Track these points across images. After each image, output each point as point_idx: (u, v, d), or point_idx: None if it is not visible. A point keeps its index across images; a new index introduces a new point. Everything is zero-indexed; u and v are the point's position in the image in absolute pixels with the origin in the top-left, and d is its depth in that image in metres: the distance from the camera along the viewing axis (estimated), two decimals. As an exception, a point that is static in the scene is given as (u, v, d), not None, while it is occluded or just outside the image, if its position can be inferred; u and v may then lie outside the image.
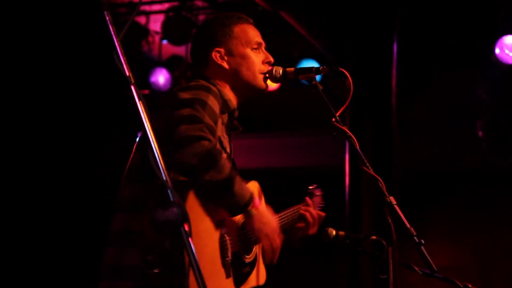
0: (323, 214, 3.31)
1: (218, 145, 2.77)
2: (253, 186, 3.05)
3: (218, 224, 2.81)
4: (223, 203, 2.75)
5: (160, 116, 2.70)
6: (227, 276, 2.83)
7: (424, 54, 7.11)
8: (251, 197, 2.77)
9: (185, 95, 2.77)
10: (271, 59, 3.11)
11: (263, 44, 3.13)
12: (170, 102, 2.78)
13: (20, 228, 7.40)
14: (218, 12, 6.98)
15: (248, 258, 2.98)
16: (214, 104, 2.80)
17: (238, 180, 2.72)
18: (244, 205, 2.75)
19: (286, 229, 3.18)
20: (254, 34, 3.10)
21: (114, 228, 2.79)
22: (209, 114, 2.75)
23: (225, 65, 3.03)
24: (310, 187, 3.48)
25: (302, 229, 3.27)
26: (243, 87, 3.06)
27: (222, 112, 2.93)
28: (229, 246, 2.83)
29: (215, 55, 3.04)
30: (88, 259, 7.28)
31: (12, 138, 7.28)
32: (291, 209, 3.27)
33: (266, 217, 2.84)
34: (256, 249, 3.02)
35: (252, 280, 3.01)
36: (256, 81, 3.05)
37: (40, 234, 7.43)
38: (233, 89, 3.06)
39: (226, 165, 2.68)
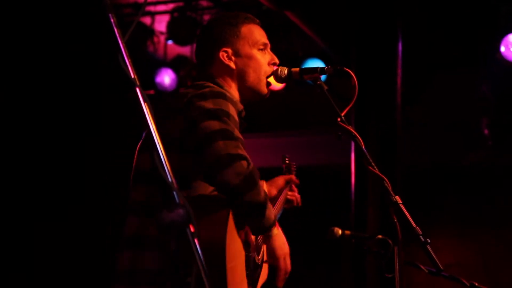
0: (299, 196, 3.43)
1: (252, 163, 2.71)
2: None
3: (245, 244, 2.80)
4: (251, 223, 2.74)
5: (169, 120, 2.68)
6: (248, 286, 2.84)
7: (428, 52, 7.11)
8: (275, 219, 2.78)
9: (206, 105, 2.69)
10: (277, 61, 3.07)
11: (269, 45, 3.09)
12: (178, 105, 2.73)
13: (20, 228, 7.42)
14: (223, 11, 6.97)
15: (259, 260, 2.97)
16: (233, 111, 2.74)
17: (269, 202, 2.72)
18: (269, 227, 2.74)
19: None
20: (260, 35, 3.06)
21: (128, 232, 2.74)
22: (235, 125, 2.70)
23: (232, 65, 2.98)
24: (286, 159, 3.54)
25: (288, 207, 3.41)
26: (247, 89, 3.02)
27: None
28: (251, 262, 2.84)
29: (222, 55, 2.98)
30: (88, 259, 7.35)
31: (12, 138, 7.31)
32: (280, 198, 3.28)
33: (283, 238, 2.83)
34: (263, 248, 3.01)
35: (262, 277, 3.03)
36: (260, 85, 3.02)
37: (40, 234, 7.45)
38: (238, 90, 3.02)
39: (262, 187, 2.67)
